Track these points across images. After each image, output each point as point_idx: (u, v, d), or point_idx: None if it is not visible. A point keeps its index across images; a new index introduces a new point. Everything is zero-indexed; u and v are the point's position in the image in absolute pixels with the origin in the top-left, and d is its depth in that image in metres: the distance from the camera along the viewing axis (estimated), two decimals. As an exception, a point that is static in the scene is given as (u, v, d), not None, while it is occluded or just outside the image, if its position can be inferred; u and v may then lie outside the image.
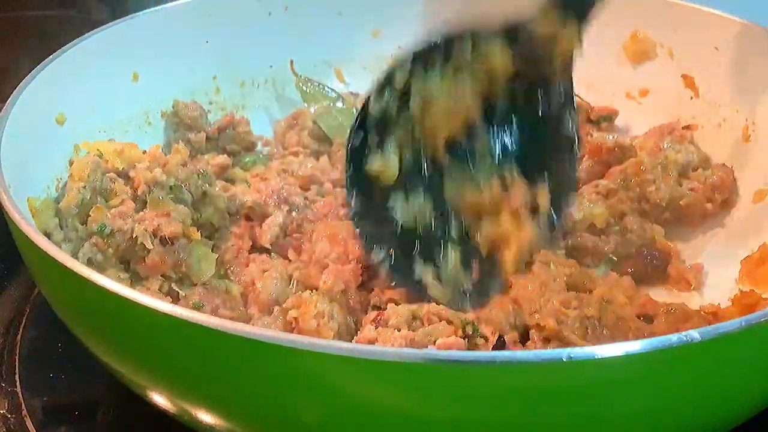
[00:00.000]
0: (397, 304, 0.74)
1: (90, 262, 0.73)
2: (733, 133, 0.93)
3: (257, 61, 1.05)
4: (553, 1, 0.71)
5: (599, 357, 0.49)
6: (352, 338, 0.72)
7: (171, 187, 0.78)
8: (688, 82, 0.98)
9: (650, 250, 0.85)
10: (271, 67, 1.07)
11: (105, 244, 0.74)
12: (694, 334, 0.50)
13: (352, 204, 0.75)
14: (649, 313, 0.76)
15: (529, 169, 0.74)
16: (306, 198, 0.88)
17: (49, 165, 0.79)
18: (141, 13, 0.95)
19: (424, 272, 0.74)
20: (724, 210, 0.89)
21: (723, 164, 0.91)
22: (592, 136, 0.95)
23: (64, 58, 0.85)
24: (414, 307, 0.73)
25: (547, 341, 0.70)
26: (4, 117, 0.74)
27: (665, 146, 0.92)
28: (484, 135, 0.73)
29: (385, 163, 0.73)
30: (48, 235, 0.73)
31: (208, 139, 0.97)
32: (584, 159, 0.95)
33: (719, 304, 0.78)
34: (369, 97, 0.74)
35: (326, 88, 1.05)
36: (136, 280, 0.75)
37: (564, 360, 0.49)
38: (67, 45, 0.86)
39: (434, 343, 0.68)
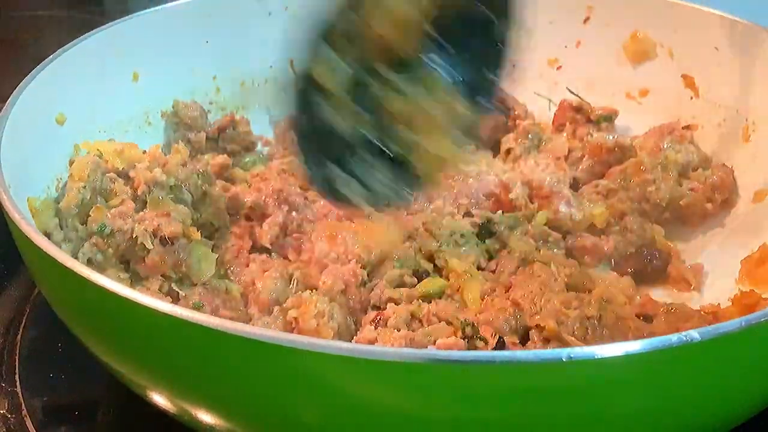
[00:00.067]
0: (397, 303, 0.74)
1: (90, 262, 0.74)
2: (733, 133, 0.93)
3: (257, 61, 1.05)
4: None
5: (599, 357, 0.49)
6: (352, 338, 0.72)
7: (171, 187, 0.78)
8: (688, 82, 0.98)
9: (650, 250, 0.85)
10: (271, 67, 1.06)
11: (105, 244, 0.74)
12: (694, 334, 0.50)
13: (296, 118, 0.74)
14: (649, 313, 0.76)
15: (458, 74, 0.74)
16: (306, 198, 0.88)
17: (49, 165, 0.79)
18: (141, 13, 0.95)
19: (353, 182, 0.73)
20: (724, 210, 0.89)
21: (723, 164, 0.91)
22: (592, 136, 0.96)
23: (64, 58, 0.85)
24: (414, 307, 0.73)
25: (546, 341, 0.70)
26: (4, 117, 0.74)
27: (665, 146, 0.92)
28: (423, 42, 0.73)
29: (330, 67, 0.73)
30: (48, 235, 0.73)
31: (208, 139, 0.97)
32: (584, 159, 0.95)
33: (719, 304, 0.78)
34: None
35: (326, 88, 1.05)
36: (136, 280, 0.75)
37: (564, 360, 0.49)
38: (67, 45, 0.86)
39: (434, 343, 0.68)
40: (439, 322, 0.72)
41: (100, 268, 0.73)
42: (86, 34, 0.89)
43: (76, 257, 0.72)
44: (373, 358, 0.50)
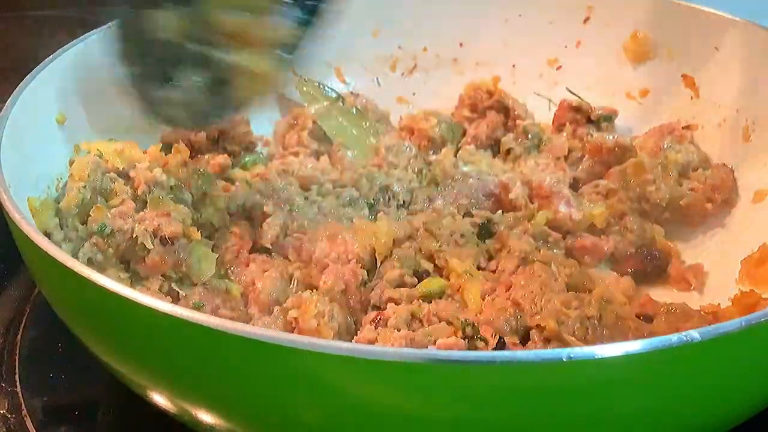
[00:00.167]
0: (397, 303, 0.74)
1: (90, 262, 0.74)
2: (733, 133, 0.93)
3: (257, 61, 1.05)
4: None
5: (599, 357, 0.50)
6: (352, 338, 0.72)
7: (171, 187, 0.78)
8: (688, 82, 0.98)
9: (650, 250, 0.85)
10: (271, 67, 1.06)
11: (105, 244, 0.74)
12: (694, 334, 0.50)
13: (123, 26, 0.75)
14: (649, 313, 0.76)
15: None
16: (306, 198, 0.88)
17: (49, 165, 0.79)
18: (141, 13, 0.95)
19: (165, 90, 0.74)
20: (724, 210, 0.89)
21: (723, 164, 0.91)
22: (592, 136, 0.96)
23: (64, 58, 0.85)
24: (414, 307, 0.73)
25: (547, 341, 0.70)
26: (4, 117, 0.74)
27: (665, 146, 0.92)
28: None
29: None
30: (48, 235, 0.73)
31: (208, 139, 0.96)
32: (584, 159, 0.95)
33: (719, 304, 0.78)
34: None
35: (326, 88, 1.05)
36: (136, 280, 0.75)
37: (564, 360, 0.49)
38: (67, 45, 0.86)
39: (434, 343, 0.68)
40: (440, 322, 0.72)
41: (100, 268, 0.73)
42: (86, 34, 0.89)
43: (76, 257, 0.72)
44: (373, 358, 0.50)
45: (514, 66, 1.10)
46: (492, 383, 0.51)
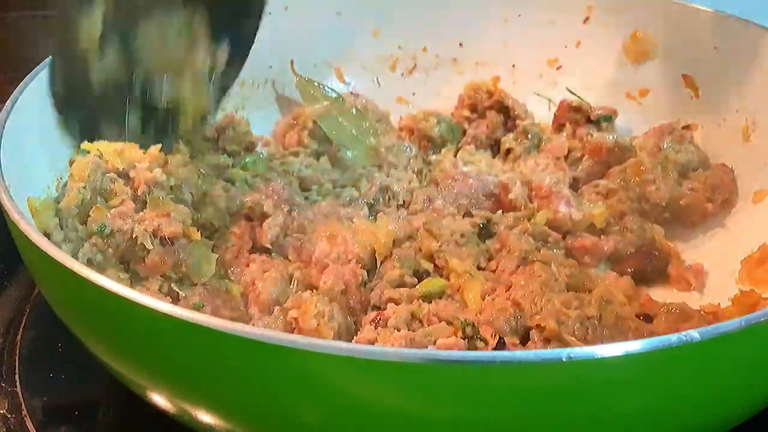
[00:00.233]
0: (397, 303, 0.74)
1: (90, 262, 0.73)
2: (733, 133, 0.93)
3: (257, 61, 1.05)
4: None
5: (599, 357, 0.50)
6: (352, 338, 0.72)
7: (171, 187, 0.78)
8: (688, 82, 0.98)
9: (650, 250, 0.85)
10: (271, 67, 1.07)
11: (105, 244, 0.74)
12: (694, 333, 0.50)
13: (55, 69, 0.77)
14: (649, 313, 0.76)
15: (215, 27, 0.77)
16: (306, 198, 0.88)
17: (49, 165, 0.79)
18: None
19: (107, 129, 0.77)
20: (724, 210, 0.89)
21: (723, 164, 0.91)
22: (592, 136, 0.96)
23: (64, 58, 0.85)
24: (414, 307, 0.73)
25: (547, 341, 0.70)
26: (4, 117, 0.74)
27: (665, 146, 0.92)
28: None
29: (90, 20, 0.74)
30: (48, 235, 0.73)
31: (208, 139, 0.96)
32: (584, 159, 0.95)
33: (719, 304, 0.78)
34: None
35: (326, 88, 1.05)
36: (136, 280, 0.75)
37: (564, 360, 0.49)
38: (67, 45, 0.86)
39: (434, 343, 0.68)
40: (440, 322, 0.72)
41: (100, 268, 0.73)
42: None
43: (76, 257, 0.72)
44: (373, 358, 0.50)
45: (514, 66, 1.10)
46: (492, 383, 0.50)
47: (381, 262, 0.79)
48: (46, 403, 0.76)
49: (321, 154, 0.98)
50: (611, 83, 1.04)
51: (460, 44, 1.10)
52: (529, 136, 0.99)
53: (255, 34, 0.82)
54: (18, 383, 0.78)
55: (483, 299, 0.75)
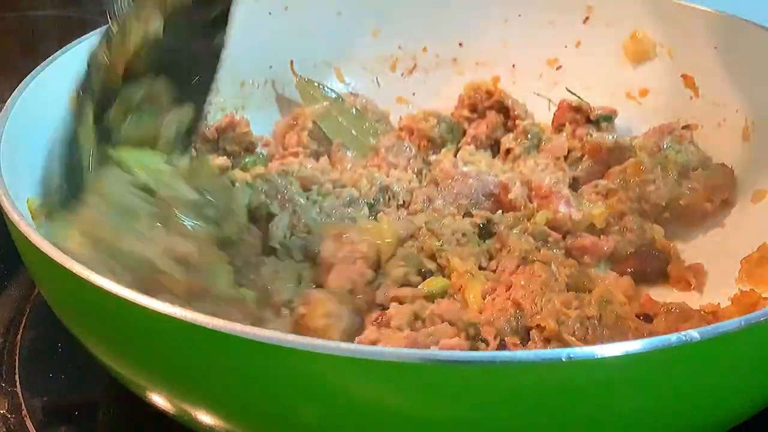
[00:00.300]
0: (401, 303, 0.74)
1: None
2: (733, 133, 0.93)
3: (257, 61, 1.05)
4: None
5: (599, 357, 0.49)
6: (354, 338, 0.72)
7: (193, 204, 0.75)
8: (688, 82, 0.98)
9: (650, 250, 0.85)
10: (271, 67, 1.07)
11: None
12: (694, 333, 0.50)
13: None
14: (649, 313, 0.76)
15: (178, 85, 0.75)
16: (307, 198, 0.88)
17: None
18: (141, 13, 0.95)
19: None
20: (724, 210, 0.89)
21: (723, 164, 0.91)
22: (591, 136, 0.96)
23: (65, 58, 0.85)
24: (417, 307, 0.73)
25: (547, 342, 0.70)
26: (4, 117, 0.74)
27: (665, 146, 0.92)
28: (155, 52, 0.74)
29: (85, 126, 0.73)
30: (48, 235, 0.73)
31: (207, 140, 0.96)
32: (584, 159, 0.95)
33: (719, 303, 0.78)
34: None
35: (326, 88, 1.05)
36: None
37: (564, 360, 0.49)
38: (67, 45, 0.86)
39: (437, 344, 0.68)
40: (442, 322, 0.72)
41: (100, 269, 0.73)
42: (86, 35, 0.89)
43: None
44: (373, 358, 0.50)
45: (513, 66, 1.10)
46: (492, 383, 0.50)
47: (386, 261, 0.79)
48: (46, 403, 0.76)
49: (321, 154, 0.98)
50: (611, 83, 1.04)
51: (460, 44, 1.10)
52: (529, 136, 0.98)
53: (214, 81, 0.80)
54: (18, 383, 0.78)
55: (483, 299, 0.75)
